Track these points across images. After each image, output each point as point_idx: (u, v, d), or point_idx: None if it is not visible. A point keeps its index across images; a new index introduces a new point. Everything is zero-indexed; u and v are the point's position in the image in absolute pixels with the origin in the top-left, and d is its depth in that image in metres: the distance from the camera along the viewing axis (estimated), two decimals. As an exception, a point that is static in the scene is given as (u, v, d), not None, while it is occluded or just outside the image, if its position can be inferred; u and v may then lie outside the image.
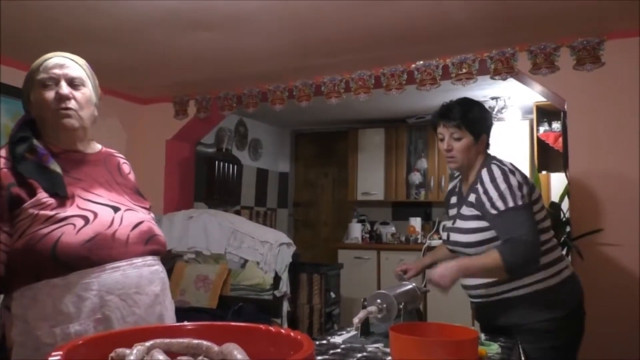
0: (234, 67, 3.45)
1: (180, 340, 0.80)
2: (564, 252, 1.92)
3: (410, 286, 1.80)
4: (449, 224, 1.99)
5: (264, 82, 3.75)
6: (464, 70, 3.11)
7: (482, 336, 1.70)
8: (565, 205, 3.01)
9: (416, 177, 5.49)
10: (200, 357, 0.78)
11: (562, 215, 2.99)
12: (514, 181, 1.75)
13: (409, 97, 4.01)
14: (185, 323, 0.94)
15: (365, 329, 1.68)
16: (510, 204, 1.71)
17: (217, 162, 4.89)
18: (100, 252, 1.22)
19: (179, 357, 0.77)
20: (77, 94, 1.34)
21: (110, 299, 1.21)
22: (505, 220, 1.72)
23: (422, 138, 5.57)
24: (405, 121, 5.54)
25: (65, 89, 1.32)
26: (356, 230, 5.49)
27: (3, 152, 1.29)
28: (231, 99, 3.92)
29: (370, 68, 3.39)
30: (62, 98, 1.31)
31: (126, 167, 1.52)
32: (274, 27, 2.75)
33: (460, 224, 1.89)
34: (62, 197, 1.25)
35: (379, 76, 3.37)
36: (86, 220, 1.24)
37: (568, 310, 1.78)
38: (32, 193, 1.24)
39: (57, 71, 1.33)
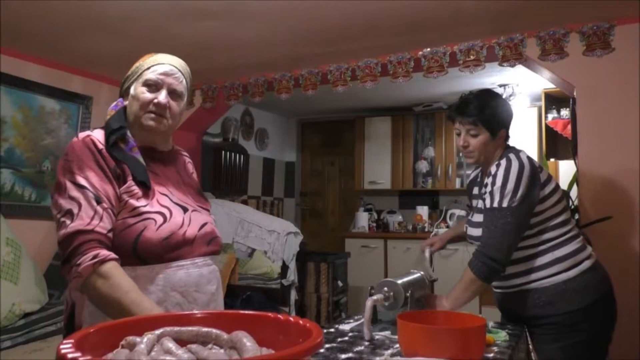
0: (240, 57, 3.44)
1: (190, 328, 0.81)
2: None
3: (418, 275, 1.80)
4: (469, 216, 1.97)
5: (270, 71, 3.74)
6: (472, 57, 3.08)
7: (490, 324, 1.70)
8: (573, 192, 3.00)
9: (423, 166, 5.47)
10: (210, 345, 0.78)
11: (570, 202, 2.97)
12: (512, 180, 1.72)
13: (416, 85, 3.99)
14: (195, 311, 0.94)
15: (373, 316, 1.68)
16: (495, 204, 1.73)
17: (223, 152, 4.90)
18: (172, 251, 1.29)
19: (188, 345, 0.77)
20: (173, 104, 1.40)
21: (173, 295, 1.28)
22: (486, 219, 1.76)
23: (429, 126, 5.54)
24: (412, 109, 5.51)
25: (164, 98, 1.37)
26: (363, 219, 5.49)
27: (99, 135, 1.35)
28: (237, 89, 3.92)
29: (377, 56, 3.37)
30: (159, 105, 1.37)
31: (190, 167, 1.59)
32: (280, 15, 2.73)
33: (475, 217, 1.88)
34: (146, 189, 1.32)
35: (385, 64, 3.35)
36: (164, 217, 1.31)
37: (590, 301, 1.75)
38: (125, 179, 1.31)
39: (164, 78, 1.38)
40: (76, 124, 3.64)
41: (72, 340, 0.71)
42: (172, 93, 1.40)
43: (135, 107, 1.38)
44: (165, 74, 1.38)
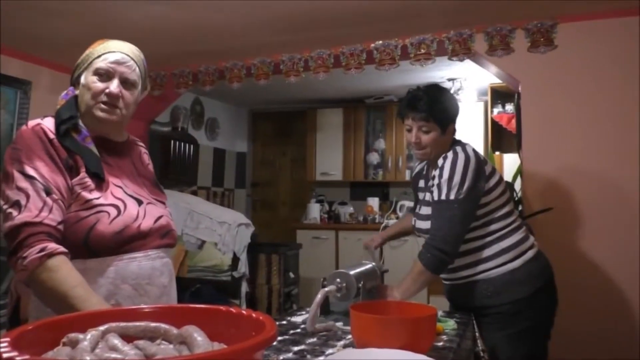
0: (190, 43, 3.35)
1: (137, 323, 0.78)
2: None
3: (369, 265, 1.81)
4: (417, 209, 2.00)
5: (221, 59, 3.66)
6: (423, 51, 3.12)
7: (439, 313, 1.73)
8: (518, 185, 3.10)
9: (374, 158, 5.53)
10: (158, 340, 0.76)
11: (514, 194, 3.08)
12: (458, 173, 1.75)
13: (368, 77, 4.01)
14: (142, 306, 0.91)
15: (325, 307, 1.69)
16: (443, 196, 1.76)
17: (172, 142, 4.77)
18: (125, 244, 1.26)
19: (135, 341, 0.74)
20: (126, 93, 1.35)
21: (124, 288, 1.25)
22: (434, 211, 1.79)
23: (380, 118, 5.60)
24: (364, 101, 5.55)
25: (116, 88, 1.32)
26: (315, 210, 5.50)
27: (50, 124, 1.30)
28: (187, 77, 3.81)
29: (330, 47, 3.36)
30: (110, 95, 1.32)
31: (146, 157, 1.56)
32: (232, 2, 2.67)
33: (423, 210, 1.91)
34: (99, 181, 1.28)
35: (338, 55, 3.35)
36: (118, 210, 1.28)
37: (534, 289, 1.81)
38: (77, 170, 1.27)
39: (115, 67, 1.33)
40: (14, 109, 3.45)
41: (8, 339, 0.67)
42: (125, 82, 1.35)
43: (87, 97, 1.33)
44: (117, 62, 1.34)
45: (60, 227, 1.20)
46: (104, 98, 1.32)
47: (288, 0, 2.65)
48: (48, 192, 1.20)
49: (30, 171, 1.21)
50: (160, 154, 4.70)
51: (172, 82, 3.86)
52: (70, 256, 1.20)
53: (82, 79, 1.35)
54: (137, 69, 1.38)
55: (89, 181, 1.26)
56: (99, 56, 1.34)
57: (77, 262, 1.21)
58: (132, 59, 1.37)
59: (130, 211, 1.30)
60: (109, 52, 1.34)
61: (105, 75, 1.33)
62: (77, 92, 1.37)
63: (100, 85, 1.32)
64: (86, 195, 1.25)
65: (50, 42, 3.27)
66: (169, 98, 4.18)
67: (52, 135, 1.27)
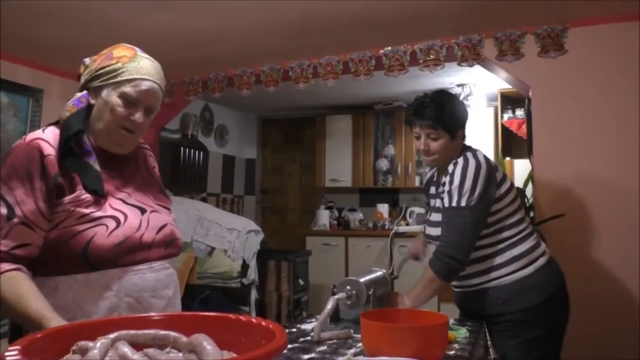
0: (199, 51, 3.37)
1: (147, 331, 0.77)
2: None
3: (379, 272, 1.80)
4: (427, 215, 1.99)
5: (231, 66, 3.68)
6: (432, 57, 3.12)
7: (451, 321, 1.72)
8: (529, 191, 3.08)
9: (383, 164, 5.51)
10: (168, 349, 0.75)
11: (525, 200, 3.05)
12: (469, 179, 1.74)
13: (377, 83, 4.01)
14: (152, 313, 0.91)
15: (335, 315, 1.68)
16: (454, 203, 1.74)
17: (182, 149, 4.79)
18: (126, 256, 1.25)
19: (145, 349, 0.74)
20: (146, 120, 1.33)
21: (128, 301, 1.24)
22: (445, 218, 1.78)
23: (389, 124, 5.59)
24: (373, 107, 5.54)
25: (141, 118, 1.30)
26: (324, 217, 5.49)
27: (50, 136, 1.27)
28: (196, 84, 3.84)
29: (339, 53, 3.36)
30: (134, 123, 1.30)
31: (152, 161, 1.52)
32: (240, 8, 2.69)
33: (433, 216, 1.89)
34: (99, 196, 1.26)
35: (347, 62, 3.35)
36: (117, 222, 1.26)
37: (545, 297, 1.79)
38: (73, 187, 1.25)
39: (144, 98, 1.30)
40: (26, 117, 3.48)
41: (18, 347, 0.67)
42: (147, 111, 1.32)
43: (107, 117, 1.28)
44: (147, 92, 1.29)
45: (18, 251, 1.19)
46: (125, 123, 1.29)
47: (296, 7, 2.66)
48: (9, 217, 1.19)
49: (4, 191, 1.21)
50: (170, 161, 4.72)
51: (181, 89, 3.88)
52: (72, 270, 1.21)
53: (105, 95, 1.28)
54: (161, 96, 1.35)
55: (86, 197, 1.24)
56: (129, 81, 1.27)
57: (79, 275, 1.21)
58: (160, 86, 1.34)
59: (132, 221, 1.28)
60: (141, 79, 1.28)
61: (132, 102, 1.28)
62: (91, 100, 1.31)
63: (124, 111, 1.27)
64: (82, 210, 1.23)
65: (61, 50, 3.30)
66: (178, 105, 4.21)
67: (47, 152, 1.23)
